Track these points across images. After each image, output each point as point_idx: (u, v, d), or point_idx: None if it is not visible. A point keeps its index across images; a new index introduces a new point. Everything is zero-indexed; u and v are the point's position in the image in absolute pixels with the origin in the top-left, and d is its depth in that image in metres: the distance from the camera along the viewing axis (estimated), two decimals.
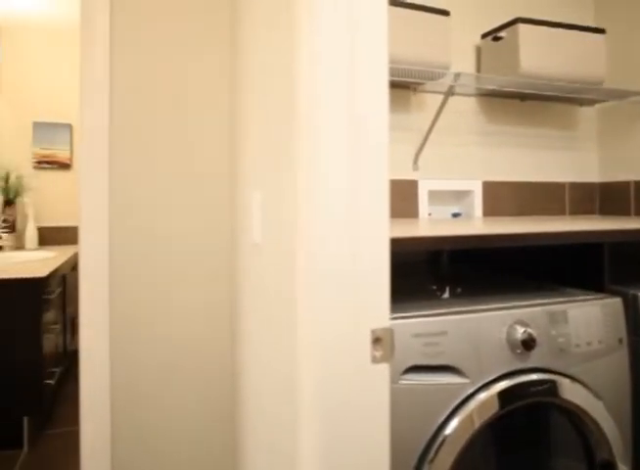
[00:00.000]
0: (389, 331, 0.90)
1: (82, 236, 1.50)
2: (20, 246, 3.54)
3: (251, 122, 1.33)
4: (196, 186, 1.64)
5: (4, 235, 3.23)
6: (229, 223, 1.67)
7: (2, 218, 3.48)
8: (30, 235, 3.47)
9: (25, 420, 2.31)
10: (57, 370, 2.67)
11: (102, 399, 1.48)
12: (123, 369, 1.54)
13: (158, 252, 1.60)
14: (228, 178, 1.67)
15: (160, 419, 1.58)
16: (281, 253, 1.03)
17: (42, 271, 2.45)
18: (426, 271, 1.92)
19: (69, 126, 3.93)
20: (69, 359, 3.34)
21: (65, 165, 3.91)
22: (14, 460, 2.21)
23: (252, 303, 1.33)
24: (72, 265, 3.28)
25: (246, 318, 1.43)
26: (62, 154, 3.91)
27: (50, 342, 2.51)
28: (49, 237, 3.81)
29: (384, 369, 0.89)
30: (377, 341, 0.89)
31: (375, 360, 0.89)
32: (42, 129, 3.87)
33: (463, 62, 2.17)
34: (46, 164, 3.87)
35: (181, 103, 1.63)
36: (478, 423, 1.11)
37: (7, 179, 3.56)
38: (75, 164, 3.95)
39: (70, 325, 3.27)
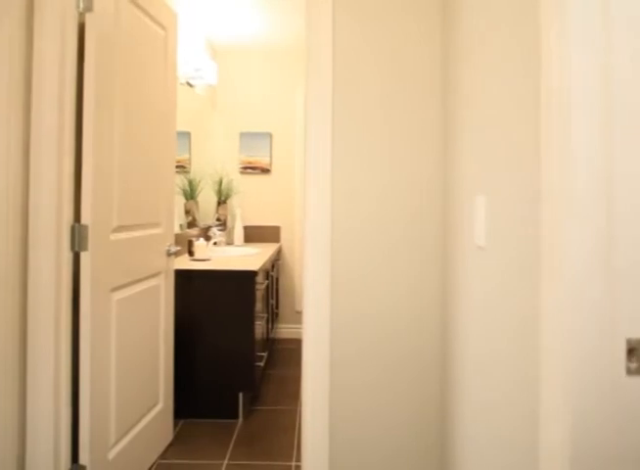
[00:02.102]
0: None
1: (308, 236, 1.67)
2: (229, 242, 4.03)
3: (472, 129, 1.36)
4: (408, 188, 1.72)
5: (218, 232, 3.70)
6: (440, 224, 1.72)
7: (216, 217, 3.99)
8: (238, 232, 3.93)
9: (240, 395, 2.63)
10: (264, 354, 2.99)
11: (322, 382, 1.63)
12: (340, 354, 1.68)
13: (372, 249, 1.71)
14: (442, 181, 1.72)
15: (373, 403, 1.68)
16: (516, 255, 1.03)
17: (254, 265, 2.76)
18: None
19: (270, 135, 4.35)
20: (271, 346, 3.72)
21: (265, 170, 4.34)
22: (232, 428, 2.54)
23: (471, 300, 1.35)
24: (272, 262, 3.63)
25: (461, 314, 1.45)
26: (263, 160, 4.34)
27: (259, 329, 2.82)
28: (250, 235, 4.26)
29: (639, 383, 0.85)
30: (632, 351, 0.85)
31: (630, 372, 0.85)
32: (247, 138, 4.35)
33: None
34: (250, 169, 4.34)
35: (393, 110, 1.72)
36: None
37: (220, 183, 4.07)
38: (274, 169, 4.36)
39: (271, 315, 3.62)
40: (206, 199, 4.04)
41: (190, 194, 3.59)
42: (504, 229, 1.11)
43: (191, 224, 3.57)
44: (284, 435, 2.47)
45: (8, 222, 1.60)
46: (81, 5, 1.76)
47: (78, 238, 1.74)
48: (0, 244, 1.58)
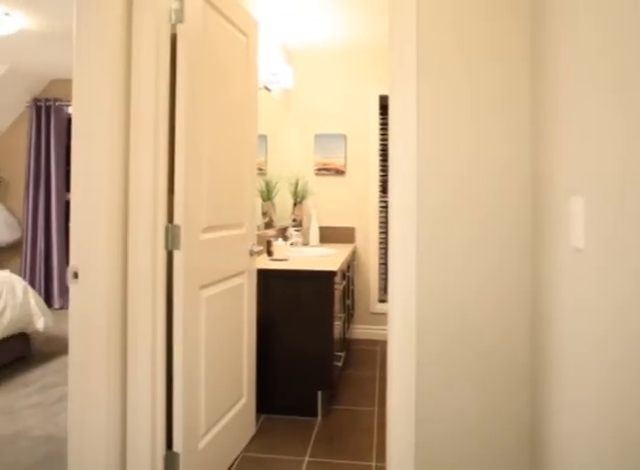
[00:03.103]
0: None
1: (393, 233, 1.67)
2: (305, 242, 4.09)
3: (568, 127, 1.30)
4: (495, 184, 1.68)
5: (295, 232, 3.77)
6: (528, 222, 1.66)
7: (292, 218, 4.07)
8: (314, 233, 3.98)
9: (319, 394, 2.67)
10: (341, 354, 3.02)
11: (408, 379, 1.63)
12: (426, 350, 1.66)
13: (458, 245, 1.68)
14: (530, 180, 1.66)
15: (459, 398, 1.66)
16: (623, 258, 0.98)
17: (333, 265, 2.79)
18: None
19: (344, 137, 4.38)
20: (347, 347, 3.74)
21: (340, 172, 4.38)
22: (311, 426, 2.58)
23: (569, 300, 1.30)
24: (348, 263, 3.65)
25: (556, 312, 1.40)
26: (337, 161, 4.38)
27: (337, 329, 2.85)
28: (326, 235, 4.31)
29: None
30: None
31: None
32: (322, 140, 4.40)
33: None
34: (325, 170, 4.39)
35: (478, 113, 1.69)
36: None
37: (296, 184, 4.15)
38: (348, 171, 4.38)
39: (347, 316, 3.65)
40: (282, 200, 4.13)
41: (267, 195, 3.69)
42: (607, 231, 1.06)
43: (268, 225, 3.66)
44: (363, 435, 2.47)
45: (111, 223, 1.72)
46: (173, 17, 1.86)
47: (171, 237, 1.84)
48: (104, 242, 1.70)
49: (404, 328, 1.67)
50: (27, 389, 3.04)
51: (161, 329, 1.80)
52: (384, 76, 4.34)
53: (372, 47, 4.28)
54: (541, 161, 1.56)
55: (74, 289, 1.71)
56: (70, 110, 5.51)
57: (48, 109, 5.43)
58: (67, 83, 5.54)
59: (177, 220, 1.84)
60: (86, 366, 1.70)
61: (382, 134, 4.40)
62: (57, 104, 5.42)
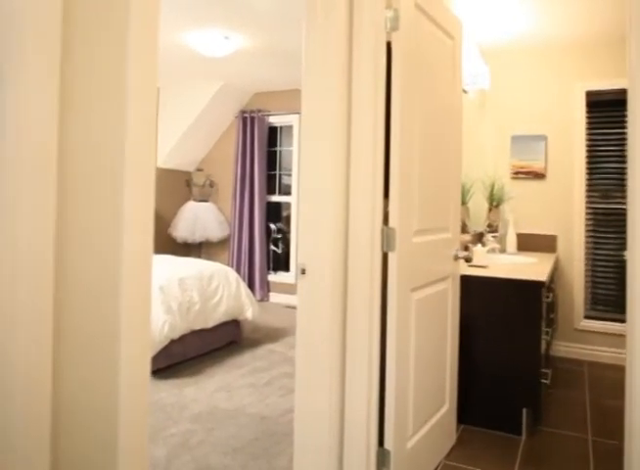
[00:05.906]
0: None
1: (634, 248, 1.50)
2: (501, 249, 3.90)
3: None
4: None
5: (491, 238, 3.62)
6: None
7: (487, 223, 3.91)
8: (511, 240, 3.77)
9: (524, 412, 2.51)
10: (548, 372, 2.80)
11: None
12: None
13: None
14: None
15: None
16: None
17: (541, 275, 2.60)
18: None
19: (544, 137, 4.07)
20: (552, 364, 3.48)
21: (539, 175, 4.08)
22: (515, 444, 2.43)
23: None
24: (551, 274, 3.38)
25: None
26: (536, 164, 4.09)
27: (543, 344, 2.65)
28: (523, 242, 4.05)
29: None
30: None
31: None
32: (519, 142, 4.15)
33: None
34: (522, 174, 4.13)
35: None
36: None
37: (492, 188, 3.98)
38: (549, 174, 4.07)
39: (552, 332, 3.38)
40: (475, 204, 3.98)
41: (461, 199, 3.58)
42: None
43: (461, 230, 3.56)
44: (577, 464, 2.24)
45: (334, 225, 1.83)
46: (388, 25, 1.92)
47: (387, 239, 1.89)
48: (328, 243, 1.81)
49: None
50: (241, 370, 3.40)
51: (377, 326, 1.85)
52: (591, 71, 3.93)
53: (575, 41, 3.90)
54: None
55: (302, 283, 1.86)
56: (272, 119, 6.06)
57: (252, 119, 6.01)
58: (268, 95, 6.08)
59: (392, 223, 1.89)
60: (310, 355, 1.83)
61: (589, 134, 3.99)
62: (260, 114, 5.97)
